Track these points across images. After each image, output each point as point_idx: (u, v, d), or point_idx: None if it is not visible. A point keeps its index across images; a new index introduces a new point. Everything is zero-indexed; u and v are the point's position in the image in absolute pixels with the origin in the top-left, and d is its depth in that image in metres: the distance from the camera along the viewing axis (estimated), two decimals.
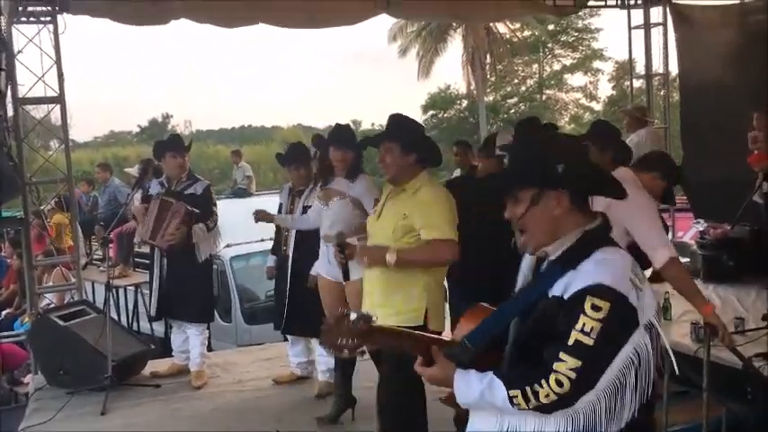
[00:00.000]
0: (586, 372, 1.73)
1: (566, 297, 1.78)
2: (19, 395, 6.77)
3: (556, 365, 1.74)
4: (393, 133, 3.52)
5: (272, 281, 5.57)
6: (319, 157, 4.76)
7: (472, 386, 1.84)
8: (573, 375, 1.73)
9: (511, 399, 1.77)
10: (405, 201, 3.47)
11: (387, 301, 3.44)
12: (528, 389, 1.76)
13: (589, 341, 1.73)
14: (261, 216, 5.09)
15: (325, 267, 4.45)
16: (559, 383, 1.73)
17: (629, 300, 1.76)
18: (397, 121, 3.57)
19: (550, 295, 1.82)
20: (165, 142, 5.71)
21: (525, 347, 1.87)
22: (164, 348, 6.66)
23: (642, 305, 1.79)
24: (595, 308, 1.74)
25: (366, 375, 5.05)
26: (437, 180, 3.89)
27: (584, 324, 1.74)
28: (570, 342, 1.74)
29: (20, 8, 6.05)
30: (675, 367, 1.97)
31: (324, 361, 5.20)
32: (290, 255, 5.13)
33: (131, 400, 5.25)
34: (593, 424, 1.78)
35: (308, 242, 4.99)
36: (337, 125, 4.65)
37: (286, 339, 5.75)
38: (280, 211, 5.38)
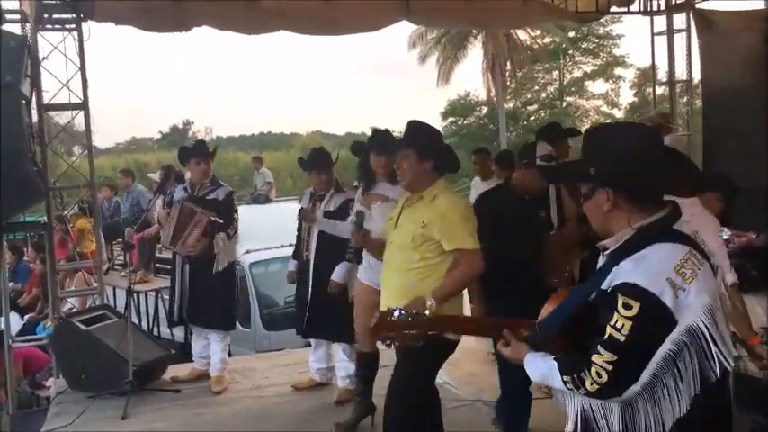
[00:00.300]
0: (622, 366, 1.81)
1: (608, 291, 1.88)
2: (40, 398, 6.82)
3: (594, 357, 1.85)
4: (410, 140, 3.50)
5: (293, 286, 5.56)
6: (360, 164, 4.74)
7: (537, 368, 2.02)
8: (609, 368, 1.83)
9: (564, 383, 1.93)
10: (423, 209, 3.43)
11: None
12: (576, 376, 1.89)
13: (620, 337, 1.82)
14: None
15: (365, 273, 4.41)
16: (599, 375, 1.84)
17: (661, 300, 1.81)
18: (414, 128, 3.55)
19: (601, 288, 1.91)
20: (190, 148, 5.74)
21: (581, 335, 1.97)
22: (183, 353, 6.69)
23: (681, 304, 1.82)
24: (626, 306, 1.81)
25: (386, 383, 5.04)
26: (454, 187, 3.85)
27: (616, 321, 1.82)
28: (606, 336, 1.84)
29: (45, 15, 6.13)
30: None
31: (344, 367, 5.19)
32: (312, 259, 5.12)
33: (152, 404, 5.27)
34: (647, 414, 1.86)
35: (330, 247, 4.99)
36: (376, 131, 4.67)
37: (306, 345, 5.75)
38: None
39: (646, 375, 1.83)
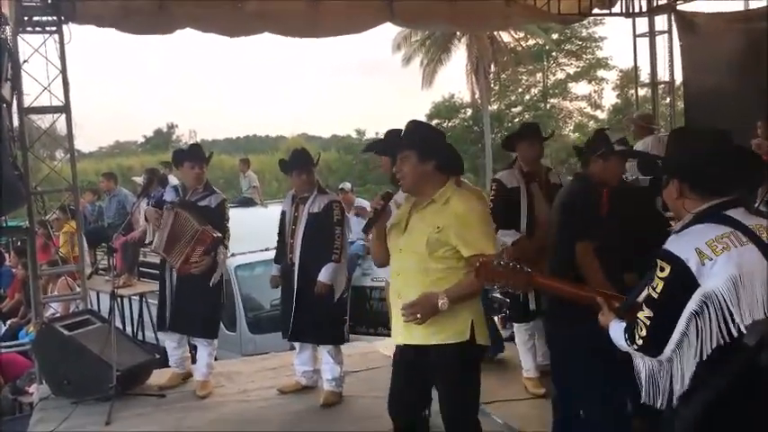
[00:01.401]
0: (657, 321, 2.15)
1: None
2: (23, 405, 6.76)
3: (639, 314, 2.20)
4: (409, 140, 3.31)
5: (278, 289, 5.55)
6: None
7: (614, 331, 2.34)
8: (648, 323, 2.17)
9: (626, 340, 2.26)
10: (436, 212, 3.23)
11: (429, 322, 3.16)
12: (629, 333, 2.24)
13: (655, 295, 2.17)
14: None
15: None
16: (641, 328, 2.19)
17: (687, 264, 2.12)
18: (414, 128, 3.37)
19: None
20: (185, 151, 5.66)
21: None
22: (167, 357, 6.64)
23: (705, 272, 2.11)
24: (661, 269, 2.16)
25: (374, 384, 5.05)
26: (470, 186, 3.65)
27: (655, 282, 2.18)
28: (646, 294, 2.21)
29: (26, 18, 6.09)
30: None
31: (329, 369, 5.18)
32: (297, 262, 5.11)
33: (136, 409, 5.23)
34: (672, 376, 2.19)
35: (315, 249, 5.00)
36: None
37: (292, 348, 5.73)
38: (283, 220, 5.35)
39: (676, 334, 2.12)
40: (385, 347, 5.97)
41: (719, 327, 2.09)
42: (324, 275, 4.95)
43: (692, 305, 2.10)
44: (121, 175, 17.60)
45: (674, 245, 2.18)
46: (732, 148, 2.35)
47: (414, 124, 3.40)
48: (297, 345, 5.45)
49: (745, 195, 2.32)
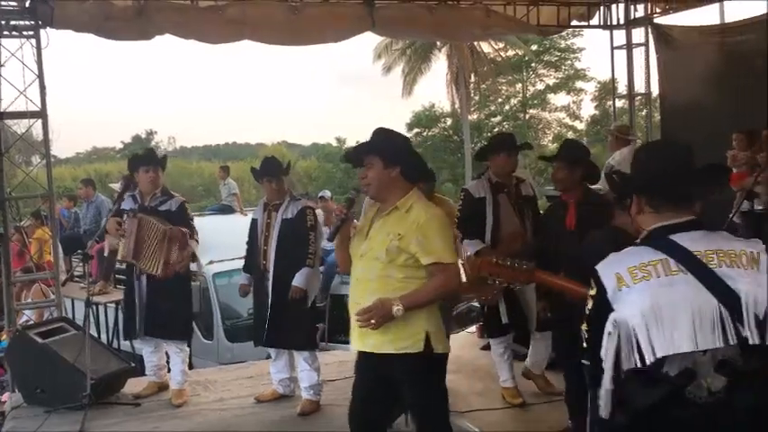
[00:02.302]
0: (590, 335, 2.16)
1: None
2: None
3: (582, 327, 2.21)
4: (374, 147, 3.31)
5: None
6: None
7: None
8: (586, 336, 2.19)
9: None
10: (398, 220, 3.23)
11: (383, 330, 3.15)
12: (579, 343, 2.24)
13: (587, 311, 2.19)
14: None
15: None
16: (583, 341, 2.20)
17: (605, 287, 2.13)
18: (379, 135, 3.37)
19: None
20: (139, 157, 5.63)
21: None
22: (144, 366, 6.58)
23: (620, 298, 2.09)
24: (591, 287, 2.18)
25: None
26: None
27: (588, 298, 2.20)
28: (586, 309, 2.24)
29: (2, 22, 6.03)
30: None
31: (306, 377, 5.16)
32: (271, 269, 5.10)
33: (110, 419, 5.17)
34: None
35: (289, 255, 4.99)
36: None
37: (269, 357, 5.70)
38: (254, 228, 5.33)
39: (601, 348, 2.13)
40: (349, 356, 5.96)
41: (631, 353, 2.07)
42: (298, 280, 4.95)
43: (608, 326, 2.10)
44: (99, 181, 17.44)
45: (602, 265, 2.17)
46: (690, 163, 2.25)
47: (380, 131, 3.39)
48: (273, 352, 5.44)
49: (701, 216, 2.21)
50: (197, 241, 5.42)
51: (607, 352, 2.11)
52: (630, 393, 2.10)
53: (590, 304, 2.16)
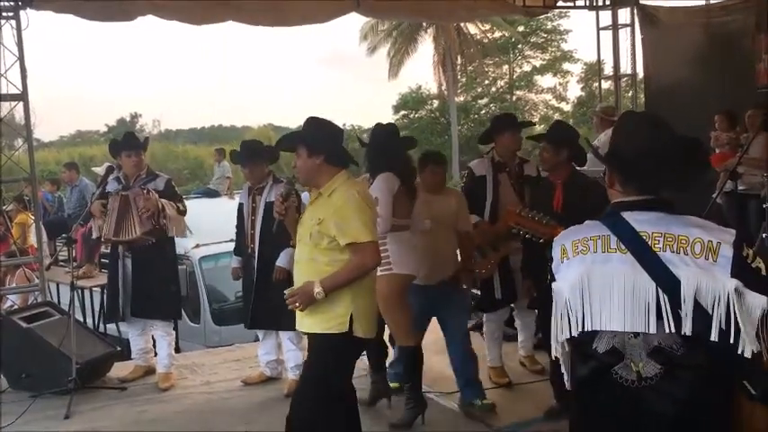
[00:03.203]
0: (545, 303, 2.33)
1: None
2: None
3: None
4: (298, 137, 3.49)
5: (240, 281, 5.53)
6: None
7: None
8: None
9: None
10: (320, 205, 3.39)
11: (312, 310, 3.35)
12: None
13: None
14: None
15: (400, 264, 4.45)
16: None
17: (552, 253, 2.22)
18: (308, 125, 3.51)
19: None
20: (120, 142, 5.61)
21: None
22: (130, 350, 6.57)
23: (560, 269, 2.17)
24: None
25: None
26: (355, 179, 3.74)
27: None
28: None
29: None
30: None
31: (292, 356, 5.18)
32: (257, 250, 5.12)
33: (96, 403, 5.15)
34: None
35: (274, 237, 4.97)
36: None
37: (256, 340, 5.70)
38: (241, 211, 5.34)
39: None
40: None
41: (567, 321, 2.12)
42: (281, 260, 4.96)
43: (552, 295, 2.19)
44: (83, 164, 17.29)
45: (557, 237, 2.25)
46: (666, 140, 2.12)
47: (311, 121, 3.52)
48: (260, 334, 5.44)
49: (670, 197, 2.14)
50: (179, 209, 5.39)
51: (552, 321, 2.18)
52: (572, 363, 2.18)
53: (548, 275, 2.24)
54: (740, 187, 6.51)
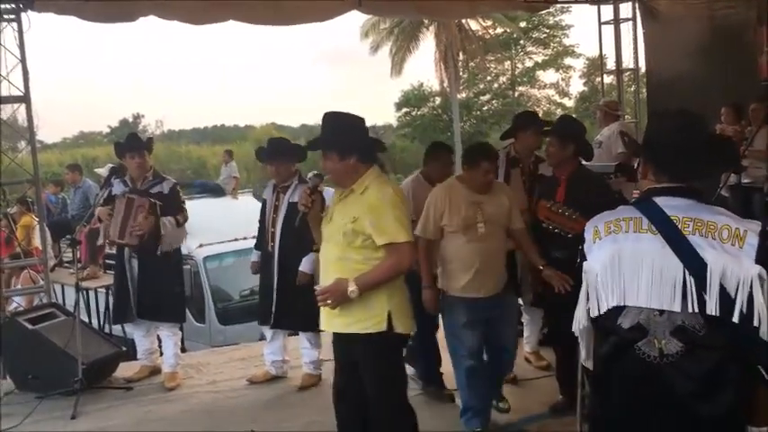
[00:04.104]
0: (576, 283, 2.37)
1: None
2: None
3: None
4: (328, 141, 3.34)
5: (248, 280, 5.55)
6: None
7: None
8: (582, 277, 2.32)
9: None
10: (353, 203, 3.30)
11: (346, 311, 3.25)
12: None
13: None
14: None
15: None
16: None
17: (585, 239, 2.30)
18: (331, 124, 3.36)
19: None
20: (124, 143, 5.60)
21: None
22: (136, 350, 6.59)
23: (592, 249, 2.25)
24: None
25: None
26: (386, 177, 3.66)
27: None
28: None
29: None
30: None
31: (307, 353, 5.24)
32: (276, 250, 5.10)
33: (102, 403, 5.17)
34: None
35: (294, 238, 4.96)
36: None
37: (261, 339, 5.71)
38: (264, 208, 5.34)
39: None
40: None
41: (597, 299, 2.20)
42: (305, 266, 4.96)
43: (582, 275, 2.27)
44: (86, 165, 17.29)
45: (591, 220, 2.32)
46: (698, 134, 2.23)
47: (330, 119, 3.38)
48: (268, 334, 5.45)
49: (700, 187, 2.24)
50: (178, 222, 5.37)
51: (580, 299, 2.26)
52: (596, 341, 2.24)
53: (580, 254, 2.30)
54: (745, 180, 6.50)
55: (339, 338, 3.46)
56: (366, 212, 3.22)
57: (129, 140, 5.64)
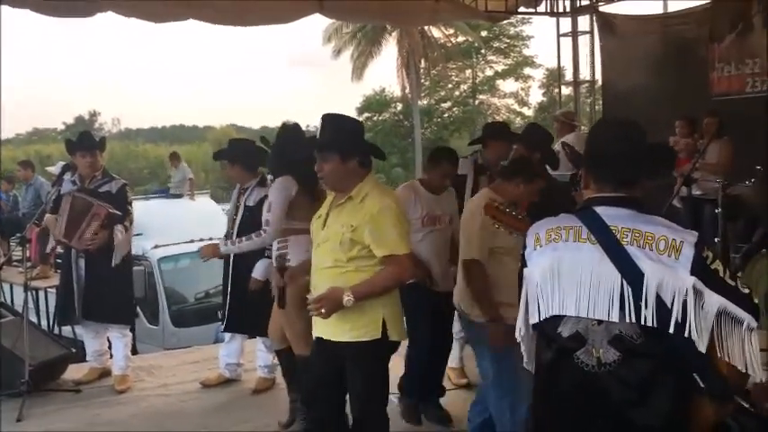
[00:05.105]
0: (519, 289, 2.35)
1: None
2: None
3: None
4: (332, 144, 3.22)
5: (203, 282, 5.49)
6: None
7: None
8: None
9: None
10: (352, 211, 3.19)
11: (340, 318, 3.17)
12: None
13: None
14: (205, 253, 4.72)
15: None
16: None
17: (526, 241, 2.33)
18: (336, 127, 3.26)
19: None
20: (76, 141, 5.49)
21: None
22: (85, 352, 6.47)
23: (533, 256, 2.27)
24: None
25: None
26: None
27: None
28: None
29: None
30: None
31: (262, 357, 5.20)
32: (231, 254, 5.05)
33: (50, 405, 5.05)
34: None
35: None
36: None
37: (216, 342, 5.65)
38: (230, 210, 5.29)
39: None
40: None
41: (537, 306, 2.23)
42: (257, 272, 4.86)
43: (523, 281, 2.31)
44: (39, 162, 16.93)
45: (532, 227, 2.35)
46: (634, 143, 2.23)
47: (332, 120, 3.30)
48: (227, 335, 5.41)
49: (640, 195, 2.23)
50: (126, 228, 5.28)
51: (520, 306, 2.29)
52: (538, 348, 2.27)
53: (520, 262, 2.33)
54: (696, 192, 6.66)
55: (325, 345, 3.34)
56: (366, 222, 3.14)
57: (82, 139, 5.54)
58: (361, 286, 3.12)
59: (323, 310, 3.11)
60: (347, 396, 3.37)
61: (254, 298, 4.86)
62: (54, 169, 7.66)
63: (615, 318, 2.08)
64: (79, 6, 6.38)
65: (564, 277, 2.16)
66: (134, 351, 6.04)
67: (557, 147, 7.23)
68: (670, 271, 2.04)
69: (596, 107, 9.45)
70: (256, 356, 5.29)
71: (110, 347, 5.62)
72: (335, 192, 3.31)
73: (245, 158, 5.04)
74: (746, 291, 2.08)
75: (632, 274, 2.06)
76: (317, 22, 34.18)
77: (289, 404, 4.59)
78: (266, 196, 4.76)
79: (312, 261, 3.38)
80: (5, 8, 6.12)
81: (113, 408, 5.06)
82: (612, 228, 2.12)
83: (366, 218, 3.14)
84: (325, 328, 3.27)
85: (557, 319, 2.17)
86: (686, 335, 2.02)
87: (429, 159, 4.46)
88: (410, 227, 3.45)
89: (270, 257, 4.74)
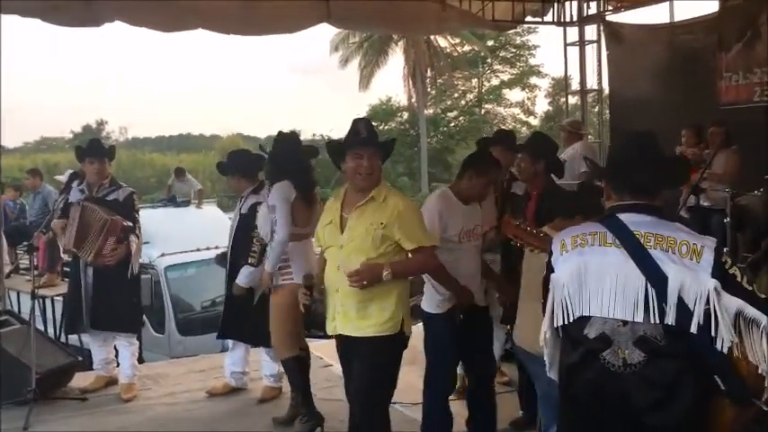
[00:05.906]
0: (545, 295, 2.41)
1: None
2: None
3: None
4: (378, 144, 3.50)
5: (209, 290, 5.51)
6: None
7: None
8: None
9: None
10: (377, 210, 3.42)
11: (364, 314, 3.41)
12: None
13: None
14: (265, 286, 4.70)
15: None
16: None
17: (552, 252, 2.39)
18: (372, 130, 3.50)
19: None
20: (85, 148, 5.54)
21: None
22: (92, 360, 6.46)
23: (559, 261, 2.34)
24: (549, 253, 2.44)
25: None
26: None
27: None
28: None
29: None
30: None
31: (268, 366, 5.19)
32: (228, 261, 5.10)
33: (56, 414, 5.05)
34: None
35: (242, 249, 4.92)
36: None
37: (223, 350, 5.65)
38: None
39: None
40: (316, 348, 5.94)
41: (562, 309, 2.29)
42: (240, 278, 4.87)
43: (550, 286, 2.36)
44: (47, 171, 16.97)
45: (558, 234, 2.43)
46: (654, 153, 2.38)
47: (369, 124, 3.51)
48: (231, 343, 5.41)
49: (660, 204, 2.35)
50: (137, 236, 5.32)
51: (546, 310, 2.35)
52: (561, 351, 2.33)
53: (547, 269, 2.39)
54: (703, 202, 6.64)
55: (347, 341, 3.52)
56: (395, 219, 3.39)
57: (91, 145, 5.58)
58: (398, 265, 3.40)
59: (364, 282, 3.31)
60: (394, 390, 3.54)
61: (244, 304, 4.88)
62: (62, 178, 7.68)
63: (640, 318, 2.16)
64: (87, 15, 6.41)
65: (590, 279, 2.24)
66: (140, 360, 6.03)
67: (563, 156, 7.25)
68: (692, 274, 2.14)
69: (603, 116, 9.44)
70: (262, 366, 5.29)
71: (116, 356, 5.62)
72: (364, 191, 3.46)
73: (244, 169, 5.12)
74: (762, 296, 2.18)
75: (656, 277, 2.15)
76: (325, 32, 34.39)
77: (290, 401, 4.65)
78: (258, 203, 4.81)
79: (330, 263, 3.54)
80: (13, 17, 6.16)
81: (120, 416, 5.06)
82: (636, 233, 2.22)
83: (394, 215, 3.39)
84: (347, 326, 3.45)
85: (583, 321, 2.24)
86: (712, 334, 2.10)
87: (471, 166, 4.07)
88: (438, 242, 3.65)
89: (254, 265, 4.76)
